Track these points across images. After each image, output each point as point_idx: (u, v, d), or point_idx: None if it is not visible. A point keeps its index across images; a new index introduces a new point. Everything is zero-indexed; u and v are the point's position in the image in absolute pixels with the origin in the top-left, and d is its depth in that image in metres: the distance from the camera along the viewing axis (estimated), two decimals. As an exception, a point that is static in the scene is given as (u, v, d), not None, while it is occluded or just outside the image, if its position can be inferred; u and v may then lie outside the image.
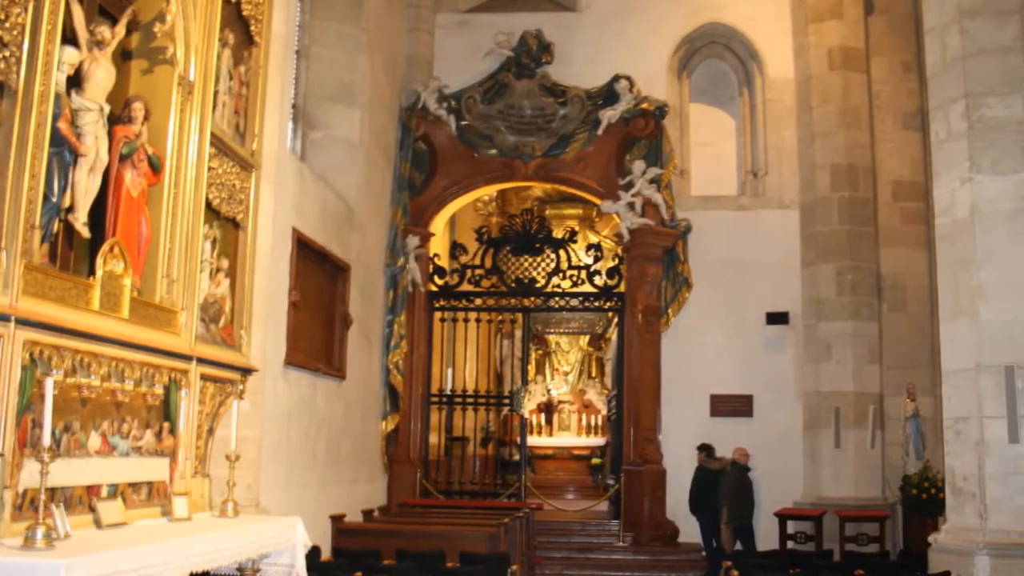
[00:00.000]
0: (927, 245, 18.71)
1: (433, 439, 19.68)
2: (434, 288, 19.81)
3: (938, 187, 11.54)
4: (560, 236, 20.37)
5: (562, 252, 19.95)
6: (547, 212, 25.80)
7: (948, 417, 11.24)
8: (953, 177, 11.25)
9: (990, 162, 10.97)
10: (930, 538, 11.30)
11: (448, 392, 20.18)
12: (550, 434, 26.69)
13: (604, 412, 25.89)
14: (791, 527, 17.45)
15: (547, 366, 28.75)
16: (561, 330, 28.88)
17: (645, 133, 19.15)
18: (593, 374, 28.65)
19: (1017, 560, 10.14)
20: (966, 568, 10.31)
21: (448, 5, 20.81)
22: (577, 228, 22.81)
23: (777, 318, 18.99)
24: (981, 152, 11.02)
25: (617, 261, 20.09)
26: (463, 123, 19.61)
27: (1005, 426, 10.51)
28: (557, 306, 20.73)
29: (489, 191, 22.56)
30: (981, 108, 11.09)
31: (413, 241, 18.62)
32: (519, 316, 21.06)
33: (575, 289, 19.89)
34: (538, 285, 19.92)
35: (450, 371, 20.55)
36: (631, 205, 18.63)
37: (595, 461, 25.83)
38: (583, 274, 19.79)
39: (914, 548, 15.31)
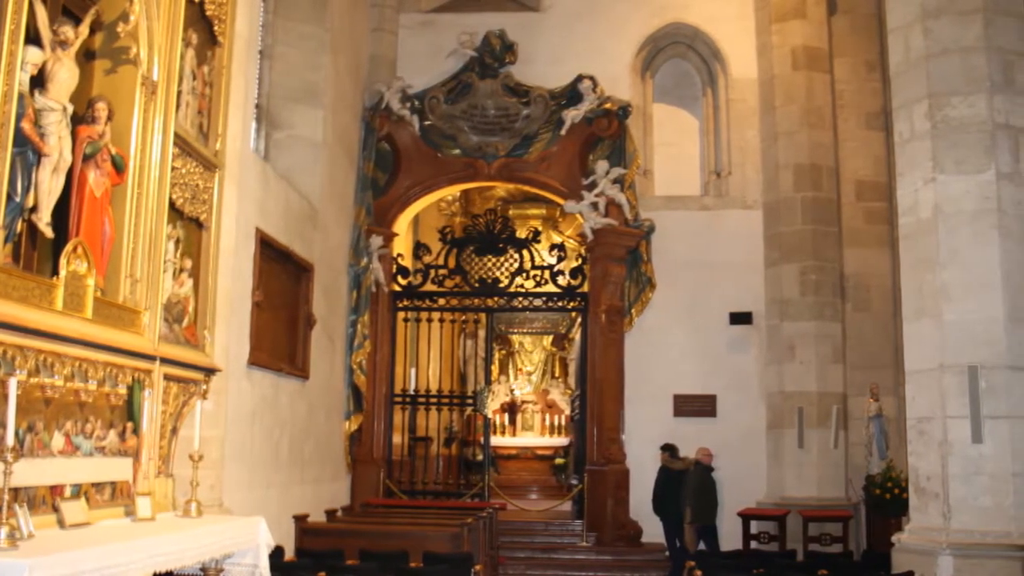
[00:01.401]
0: (890, 245, 18.81)
1: (396, 439, 19.66)
2: (397, 288, 19.79)
3: (901, 187, 11.60)
4: (523, 236, 20.38)
5: (525, 252, 19.96)
6: (510, 212, 25.88)
7: (911, 417, 11.30)
8: (916, 177, 11.31)
9: (953, 162, 11.03)
10: (893, 538, 11.36)
11: (412, 392, 20.20)
12: (513, 434, 26.67)
13: (567, 412, 25.92)
14: (754, 527, 17.48)
15: (510, 366, 28.72)
16: (525, 330, 28.90)
17: (608, 133, 19.19)
18: (557, 374, 28.63)
19: (980, 560, 10.20)
20: (929, 568, 10.37)
21: (411, 5, 20.79)
22: (540, 228, 22.87)
23: (740, 318, 19.04)
24: (944, 152, 11.08)
25: (580, 261, 20.10)
26: (427, 123, 19.59)
27: (968, 426, 10.57)
28: (520, 306, 20.85)
29: (453, 191, 22.60)
30: (944, 108, 11.15)
31: (376, 241, 18.60)
32: (482, 316, 21.05)
33: (538, 289, 19.90)
34: (501, 285, 19.94)
35: (413, 371, 20.56)
36: (594, 205, 18.66)
37: (558, 461, 25.84)
38: (546, 274, 19.79)
39: (877, 548, 15.37)
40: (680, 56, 21.10)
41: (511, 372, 28.54)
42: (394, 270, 19.66)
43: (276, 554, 9.43)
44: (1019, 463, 10.43)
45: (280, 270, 14.60)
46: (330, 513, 15.28)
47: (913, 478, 11.22)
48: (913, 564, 10.52)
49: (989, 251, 10.77)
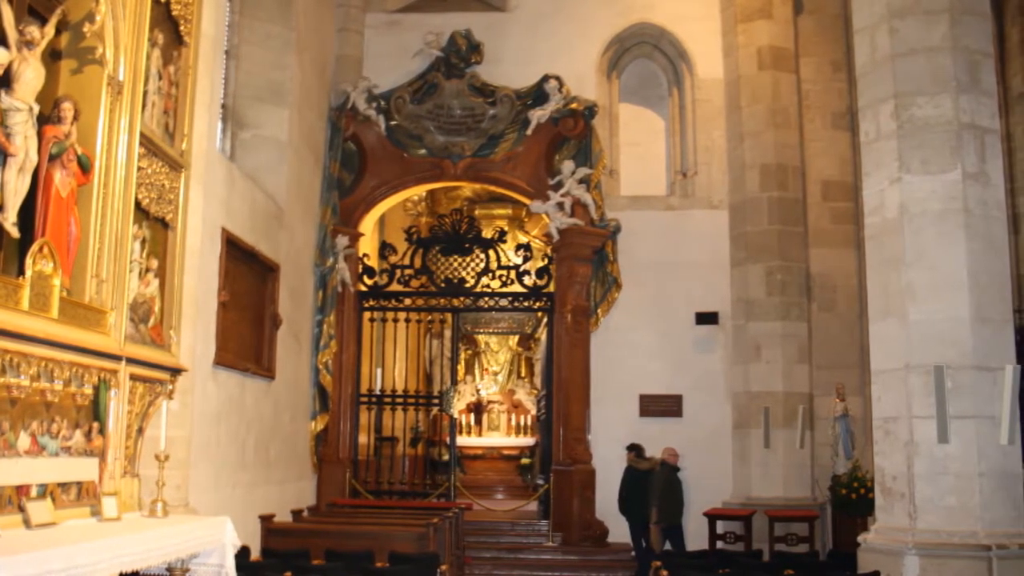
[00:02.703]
0: (856, 245, 18.90)
1: (362, 439, 19.64)
2: (363, 288, 19.77)
3: (867, 187, 11.63)
4: (489, 236, 20.45)
5: (491, 252, 19.98)
6: (477, 212, 25.85)
7: (877, 417, 11.33)
8: (882, 177, 11.34)
9: (919, 162, 11.06)
10: (859, 538, 11.39)
11: (377, 392, 20.11)
12: (479, 434, 26.60)
13: (533, 412, 25.86)
14: (720, 527, 17.50)
15: (476, 366, 28.63)
16: (490, 330, 28.80)
17: (574, 133, 19.22)
18: (522, 374, 28.55)
19: (946, 560, 10.24)
20: (895, 568, 10.41)
21: (377, 5, 20.74)
22: (506, 228, 22.93)
23: (706, 318, 19.07)
24: (910, 152, 11.11)
25: (546, 261, 20.08)
26: (392, 123, 19.58)
27: (934, 426, 10.59)
28: (486, 306, 20.87)
29: (418, 191, 22.49)
30: (910, 108, 11.18)
31: (342, 241, 18.58)
32: (448, 316, 20.97)
33: (504, 289, 19.94)
34: (467, 285, 19.94)
35: (379, 371, 20.48)
36: (560, 205, 18.68)
37: (524, 461, 25.80)
38: (512, 274, 19.83)
39: (843, 548, 15.45)
40: (646, 56, 21.12)
41: (477, 372, 28.47)
42: (360, 270, 19.66)
43: (242, 554, 9.41)
44: (985, 463, 10.48)
45: (246, 270, 14.55)
46: (296, 513, 15.26)
47: (879, 478, 11.26)
48: (879, 564, 10.56)
49: (955, 251, 10.82)
